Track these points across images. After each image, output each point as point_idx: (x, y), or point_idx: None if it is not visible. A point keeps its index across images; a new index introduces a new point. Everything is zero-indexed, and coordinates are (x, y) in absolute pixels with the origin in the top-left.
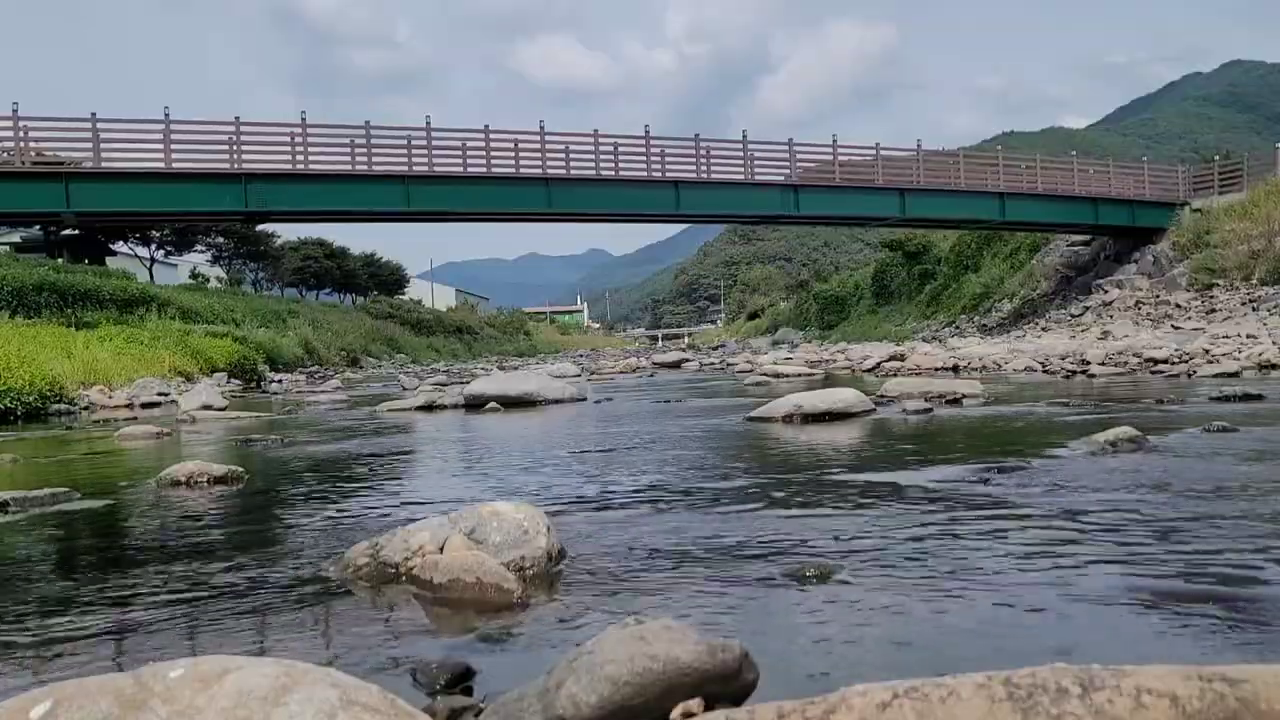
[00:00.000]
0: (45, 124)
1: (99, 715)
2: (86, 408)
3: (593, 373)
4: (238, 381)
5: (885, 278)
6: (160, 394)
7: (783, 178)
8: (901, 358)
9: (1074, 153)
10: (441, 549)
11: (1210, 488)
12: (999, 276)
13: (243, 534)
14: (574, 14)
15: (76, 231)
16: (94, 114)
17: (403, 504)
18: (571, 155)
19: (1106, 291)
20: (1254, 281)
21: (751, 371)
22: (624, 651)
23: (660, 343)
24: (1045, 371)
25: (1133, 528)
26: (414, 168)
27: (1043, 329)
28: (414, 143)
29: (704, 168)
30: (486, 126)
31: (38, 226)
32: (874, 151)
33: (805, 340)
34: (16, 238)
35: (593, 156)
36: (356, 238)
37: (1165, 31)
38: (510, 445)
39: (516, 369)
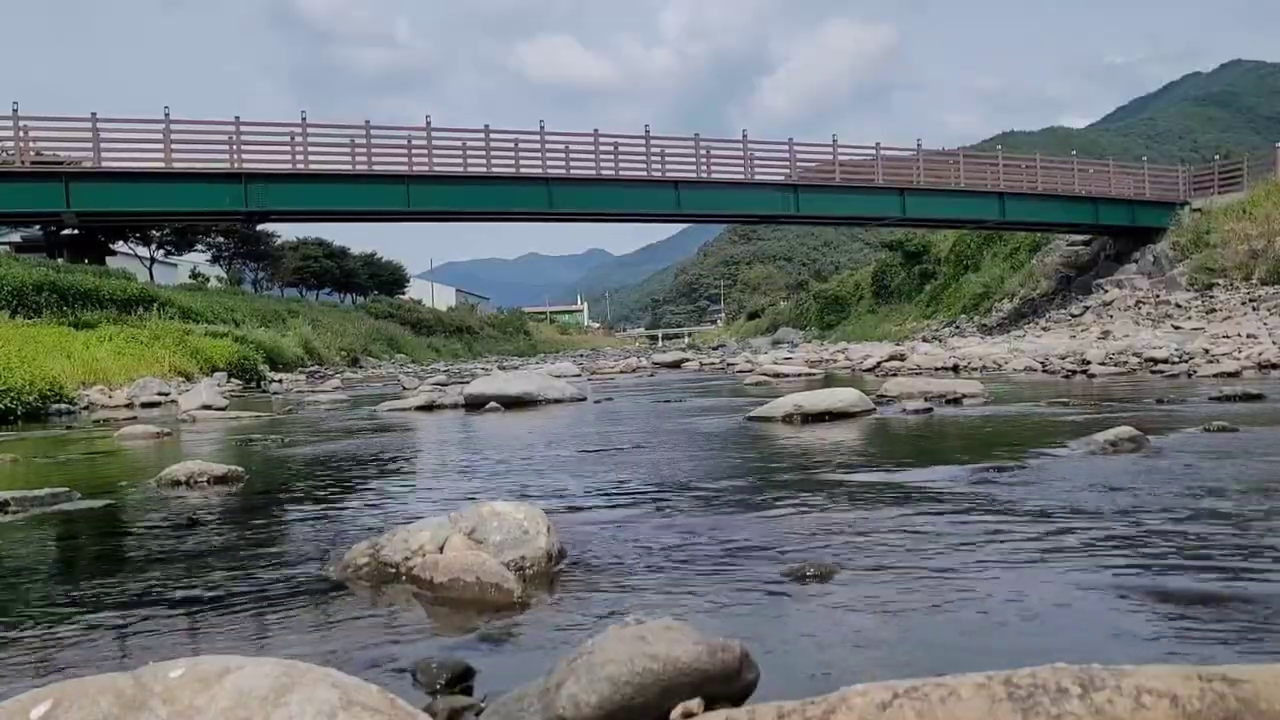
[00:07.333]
0: (45, 124)
1: (99, 715)
2: (86, 407)
3: (593, 373)
4: (238, 381)
5: (885, 278)
6: (160, 394)
7: (783, 177)
8: (902, 357)
9: (1074, 152)
10: (441, 549)
11: (1210, 487)
12: (999, 276)
13: (243, 534)
14: (573, 14)
15: (76, 231)
16: (94, 114)
17: (403, 504)
18: (571, 155)
19: (1106, 291)
20: (1254, 281)
21: (751, 371)
22: (624, 652)
23: (660, 343)
24: (1045, 371)
25: (1132, 527)
26: (414, 168)
27: (1043, 329)
28: (414, 143)
29: (704, 168)
30: (486, 126)
31: (38, 226)
32: (874, 151)
33: (805, 340)
34: (16, 238)
35: (593, 156)
36: (356, 238)
37: (1164, 31)
38: (510, 445)
39: (516, 369)
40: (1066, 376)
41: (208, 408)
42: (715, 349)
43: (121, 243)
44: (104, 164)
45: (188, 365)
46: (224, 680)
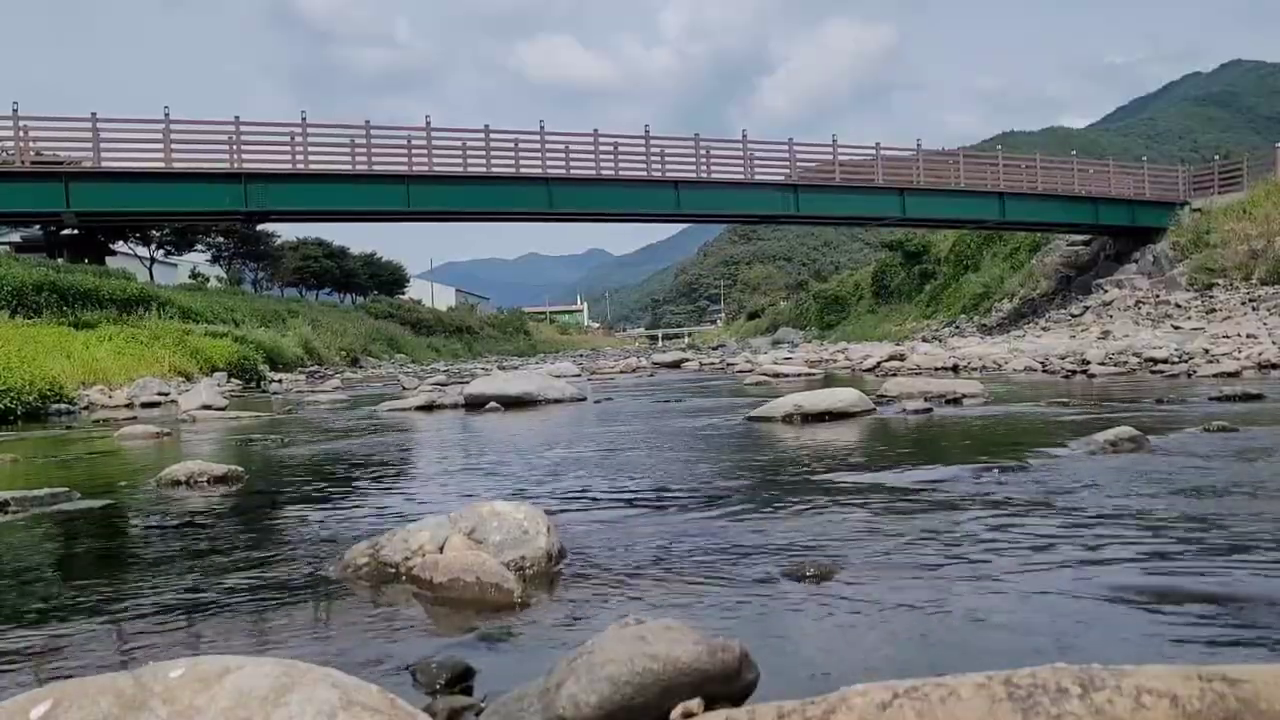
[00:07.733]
0: (45, 124)
1: (99, 715)
2: (86, 407)
3: (592, 372)
4: (238, 381)
5: (885, 278)
6: (160, 394)
7: (783, 177)
8: (901, 357)
9: (1074, 152)
10: (441, 549)
11: (1210, 487)
12: (999, 276)
13: (242, 534)
14: (573, 14)
15: (76, 231)
16: (94, 114)
17: (403, 504)
18: (571, 155)
19: (1106, 291)
20: (1254, 281)
21: (751, 371)
22: (624, 651)
23: (660, 343)
24: (1045, 371)
25: (1132, 527)
26: (414, 168)
27: (1043, 329)
28: (414, 143)
29: (704, 168)
30: (486, 126)
31: (38, 226)
32: (874, 151)
33: (805, 340)
34: (16, 238)
35: (593, 156)
36: (356, 238)
37: (1164, 31)
38: (510, 445)
39: (516, 369)
40: (1066, 376)
41: (208, 408)
42: (715, 349)
43: (121, 243)
44: (104, 164)
45: (188, 365)
46: (224, 680)
